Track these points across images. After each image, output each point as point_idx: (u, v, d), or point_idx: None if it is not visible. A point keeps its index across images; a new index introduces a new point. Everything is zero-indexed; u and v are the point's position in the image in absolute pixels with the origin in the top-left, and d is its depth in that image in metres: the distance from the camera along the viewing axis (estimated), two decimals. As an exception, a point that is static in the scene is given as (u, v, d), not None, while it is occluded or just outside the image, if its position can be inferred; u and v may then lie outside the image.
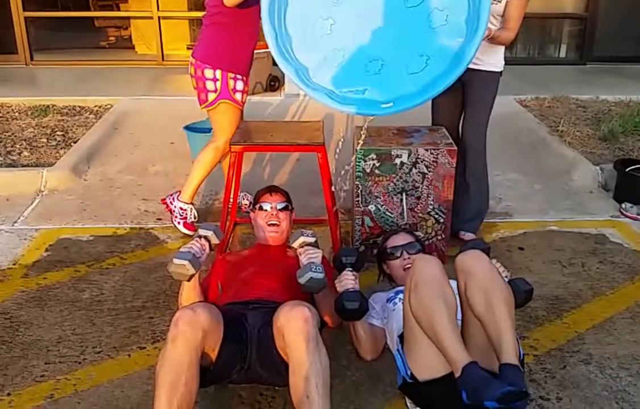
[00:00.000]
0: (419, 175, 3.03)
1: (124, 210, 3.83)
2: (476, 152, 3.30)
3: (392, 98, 2.60)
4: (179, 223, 3.50)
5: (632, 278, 3.10)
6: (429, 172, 3.02)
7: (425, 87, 2.58)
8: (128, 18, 8.59)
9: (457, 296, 2.05)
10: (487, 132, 3.31)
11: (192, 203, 3.52)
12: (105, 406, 2.24)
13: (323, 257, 2.40)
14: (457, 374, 1.84)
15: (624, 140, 4.93)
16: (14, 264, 3.20)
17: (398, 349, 2.21)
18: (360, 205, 3.09)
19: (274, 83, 6.44)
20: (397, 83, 2.62)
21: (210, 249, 2.39)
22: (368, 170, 3.02)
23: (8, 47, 7.55)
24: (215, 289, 2.54)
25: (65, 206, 3.89)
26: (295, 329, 1.96)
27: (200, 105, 3.35)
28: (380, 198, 3.07)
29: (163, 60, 7.69)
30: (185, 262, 2.18)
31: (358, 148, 3.00)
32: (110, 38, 8.87)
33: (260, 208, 2.76)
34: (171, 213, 3.52)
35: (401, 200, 3.07)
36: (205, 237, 2.38)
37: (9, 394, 2.30)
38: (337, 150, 4.52)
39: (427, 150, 2.99)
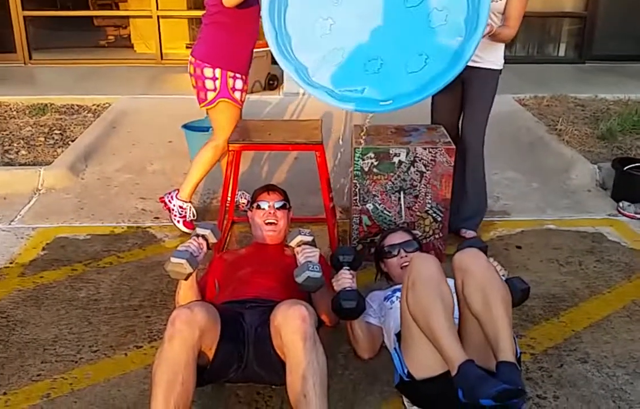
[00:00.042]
0: (417, 174, 3.02)
1: (122, 209, 3.83)
2: (475, 150, 3.30)
3: (391, 97, 2.60)
4: (178, 221, 3.50)
5: (629, 276, 3.10)
6: (427, 170, 3.02)
7: (425, 85, 2.59)
8: (127, 17, 8.57)
9: (455, 295, 2.05)
10: (486, 131, 3.31)
11: (190, 202, 3.52)
12: (102, 405, 2.24)
13: (320, 256, 2.40)
14: (454, 372, 1.84)
15: (622, 138, 4.93)
16: (11, 263, 3.20)
17: (395, 348, 2.21)
18: (358, 204, 3.09)
19: (273, 82, 6.44)
20: (396, 82, 2.63)
21: (208, 248, 2.38)
22: (366, 169, 3.02)
23: (7, 45, 7.54)
24: (212, 288, 2.54)
25: (62, 205, 3.89)
26: (292, 328, 1.96)
27: (200, 103, 3.34)
28: (378, 196, 3.07)
29: (162, 59, 7.69)
30: (183, 261, 2.17)
31: (358, 147, 3.00)
32: (109, 37, 8.86)
33: (258, 207, 2.76)
34: (169, 211, 3.52)
35: (399, 198, 3.07)
36: (203, 236, 2.37)
37: (5, 393, 2.29)
38: (340, 152, 4.53)
39: (425, 148, 2.99)
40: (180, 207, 3.49)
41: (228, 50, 3.22)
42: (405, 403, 2.21)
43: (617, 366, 2.45)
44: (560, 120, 5.25)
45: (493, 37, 2.99)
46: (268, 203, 2.75)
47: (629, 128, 5.09)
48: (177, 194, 3.50)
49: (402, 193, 3.06)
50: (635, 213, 3.72)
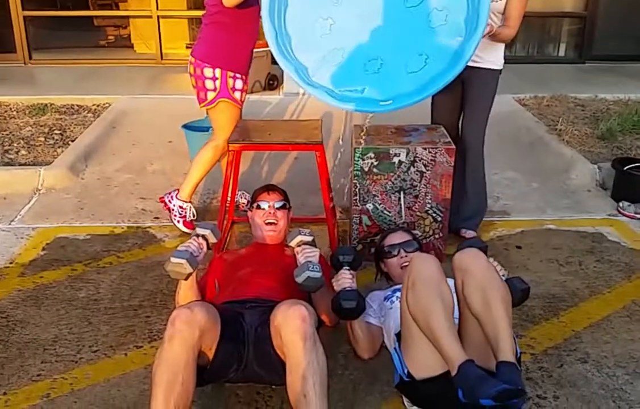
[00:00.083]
0: (417, 174, 3.02)
1: (121, 209, 3.83)
2: (475, 150, 3.30)
3: (391, 97, 2.60)
4: (178, 221, 3.50)
5: (629, 276, 3.10)
6: (427, 170, 3.02)
7: (425, 85, 2.59)
8: (127, 17, 8.57)
9: (455, 295, 2.05)
10: (486, 131, 3.31)
11: (190, 202, 3.52)
12: (101, 405, 2.24)
13: (320, 256, 2.40)
14: (454, 372, 1.84)
15: (622, 138, 4.93)
16: (11, 263, 3.20)
17: (395, 348, 2.21)
18: (358, 204, 3.09)
19: (273, 82, 6.44)
20: (396, 82, 2.62)
21: (208, 248, 2.38)
22: (366, 169, 3.02)
23: (7, 46, 7.54)
24: (212, 288, 2.54)
25: (62, 205, 3.89)
26: (292, 328, 1.96)
27: (200, 103, 3.34)
28: (378, 196, 3.07)
29: (162, 59, 7.69)
30: (183, 261, 2.17)
31: (358, 147, 3.00)
32: (109, 37, 8.86)
33: (258, 207, 2.76)
34: (170, 211, 3.52)
35: (399, 198, 3.07)
36: (203, 236, 2.37)
37: (5, 393, 2.29)
38: (340, 152, 4.53)
39: (425, 148, 2.98)
40: (181, 207, 3.49)
41: (228, 50, 3.22)
42: (405, 403, 2.21)
43: (617, 366, 2.45)
44: (560, 120, 5.25)
45: (493, 37, 3.00)
46: (268, 203, 2.75)
47: (629, 128, 5.09)
48: (177, 194, 3.50)
49: (402, 193, 3.06)
50: (635, 213, 3.72)
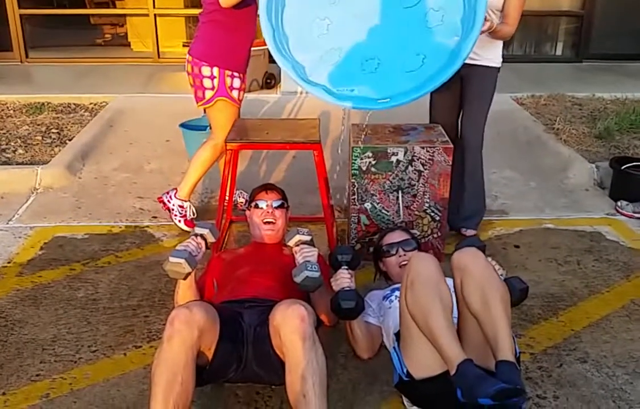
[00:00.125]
0: (415, 173, 3.02)
1: (119, 208, 3.82)
2: (474, 149, 3.30)
3: (389, 95, 2.60)
4: (179, 221, 3.49)
5: (627, 276, 3.11)
6: (425, 169, 3.02)
7: (422, 83, 2.59)
8: (124, 15, 8.55)
9: (453, 294, 2.05)
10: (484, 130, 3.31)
11: (189, 200, 3.51)
12: (101, 405, 2.23)
13: (319, 255, 2.39)
14: (452, 371, 1.84)
15: (619, 137, 4.94)
16: (9, 262, 3.19)
17: (394, 347, 2.21)
18: (356, 203, 3.09)
19: (270, 80, 6.43)
20: (393, 81, 2.63)
21: (206, 247, 2.38)
22: (364, 168, 3.01)
23: (3, 44, 7.51)
24: (211, 287, 2.54)
25: (60, 204, 3.88)
26: (291, 328, 1.96)
27: (197, 102, 3.34)
28: (376, 196, 3.07)
29: (159, 57, 7.67)
30: (182, 260, 2.17)
31: (356, 146, 2.99)
32: (106, 35, 8.85)
33: (256, 206, 2.76)
34: (169, 211, 3.51)
35: (397, 198, 3.07)
36: (202, 235, 2.37)
37: (4, 393, 2.28)
38: (338, 151, 4.53)
39: (423, 147, 2.98)
40: (180, 206, 3.48)
41: (226, 48, 3.21)
42: (405, 402, 2.21)
43: (617, 366, 2.45)
44: (558, 119, 5.26)
45: (492, 34, 2.99)
46: (266, 202, 2.75)
47: (627, 127, 5.10)
48: (175, 193, 3.50)
49: (400, 192, 3.06)
50: (634, 212, 3.72)
